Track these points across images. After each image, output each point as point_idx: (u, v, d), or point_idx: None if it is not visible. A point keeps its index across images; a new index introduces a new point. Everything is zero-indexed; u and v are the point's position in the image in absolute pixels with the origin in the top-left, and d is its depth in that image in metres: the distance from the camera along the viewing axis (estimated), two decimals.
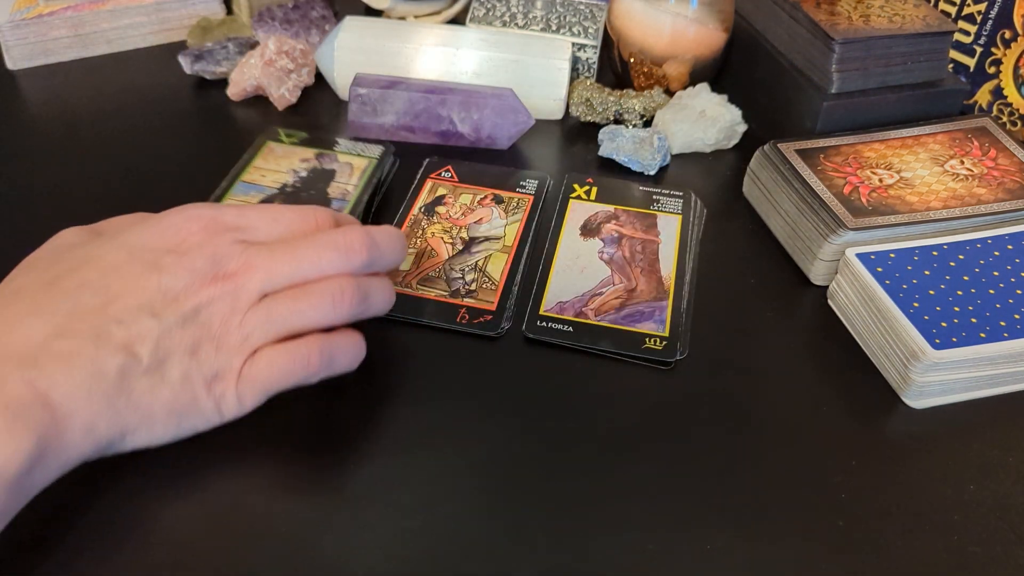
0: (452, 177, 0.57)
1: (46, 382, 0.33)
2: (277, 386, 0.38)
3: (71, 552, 0.36)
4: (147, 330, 0.35)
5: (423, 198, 0.55)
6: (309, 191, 0.54)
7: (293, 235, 0.39)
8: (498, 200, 0.56)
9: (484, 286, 0.49)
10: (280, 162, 0.56)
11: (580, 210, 0.55)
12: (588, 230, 0.54)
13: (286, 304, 0.38)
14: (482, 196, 0.56)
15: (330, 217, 0.41)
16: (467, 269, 0.50)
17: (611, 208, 0.55)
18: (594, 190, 0.57)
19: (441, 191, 0.56)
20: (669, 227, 0.54)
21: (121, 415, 0.35)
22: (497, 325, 0.47)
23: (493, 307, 0.48)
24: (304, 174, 0.55)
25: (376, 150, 0.58)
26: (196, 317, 0.36)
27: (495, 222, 0.54)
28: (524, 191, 0.56)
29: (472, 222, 0.54)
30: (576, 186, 0.57)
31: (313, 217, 0.40)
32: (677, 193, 0.57)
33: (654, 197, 0.56)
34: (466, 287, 0.49)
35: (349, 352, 0.40)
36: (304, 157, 0.57)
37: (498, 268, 0.50)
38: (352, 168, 0.56)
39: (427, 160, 0.59)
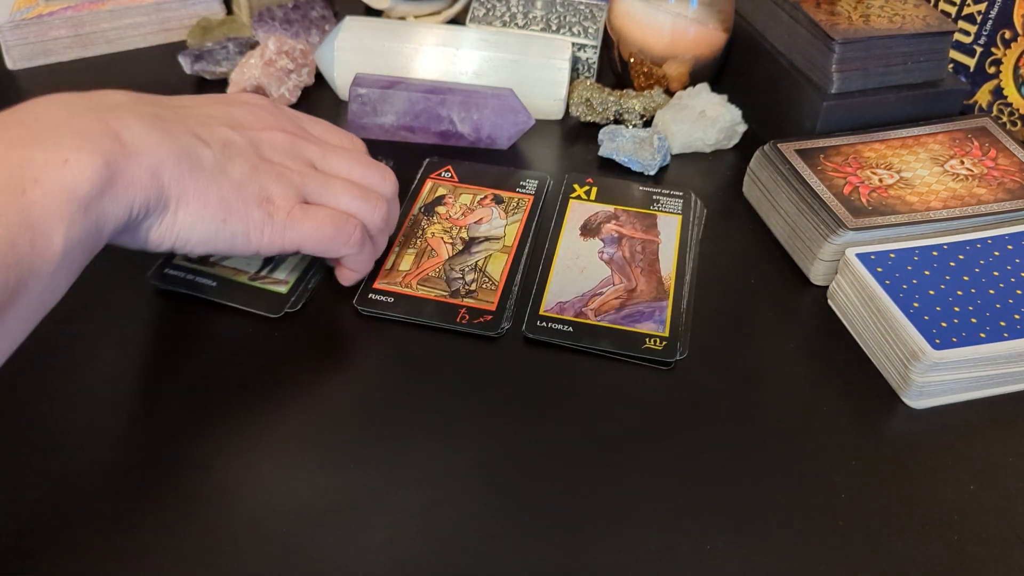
0: (452, 177, 0.57)
1: (119, 123, 0.35)
2: (316, 238, 0.42)
3: (57, 552, 0.36)
4: (218, 132, 0.40)
5: (423, 198, 0.55)
6: None
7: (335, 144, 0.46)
8: (498, 200, 0.56)
9: (484, 286, 0.49)
10: None
11: (580, 210, 0.55)
12: (588, 230, 0.54)
13: (341, 183, 0.43)
14: (482, 196, 0.56)
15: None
16: (467, 269, 0.50)
17: (611, 208, 0.55)
18: (594, 190, 0.57)
19: (441, 191, 0.56)
20: (669, 227, 0.54)
21: (183, 176, 0.37)
22: (497, 325, 0.47)
23: (493, 307, 0.48)
24: None
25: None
26: (260, 145, 0.41)
27: (495, 222, 0.54)
28: (524, 191, 0.56)
29: (472, 222, 0.54)
30: (576, 186, 0.57)
31: (356, 145, 0.47)
32: (677, 193, 0.57)
33: (654, 197, 0.56)
34: (466, 287, 0.49)
35: (371, 255, 0.46)
36: None
37: (498, 268, 0.50)
38: None
39: (427, 160, 0.59)
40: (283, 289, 0.48)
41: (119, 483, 0.38)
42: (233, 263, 0.49)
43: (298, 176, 0.41)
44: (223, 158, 0.39)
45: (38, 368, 0.43)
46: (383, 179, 0.45)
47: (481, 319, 0.47)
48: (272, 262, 0.49)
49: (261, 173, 0.40)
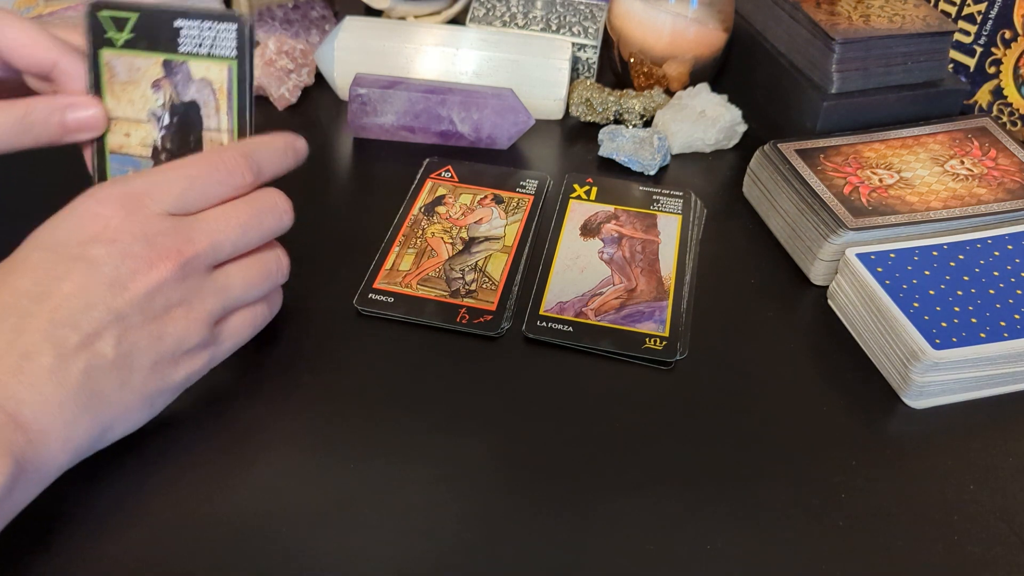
0: (452, 177, 0.57)
1: (13, 403, 0.32)
2: (240, 343, 0.41)
3: (56, 550, 0.36)
4: (104, 326, 0.34)
5: (423, 198, 0.55)
6: (181, 149, 0.42)
7: (207, 188, 0.38)
8: (498, 200, 0.56)
9: (484, 286, 0.49)
10: (131, 97, 0.42)
11: (580, 210, 0.55)
12: (588, 230, 0.54)
13: (242, 280, 0.39)
14: (482, 196, 0.56)
15: (239, 158, 0.39)
16: (467, 269, 0.50)
17: (611, 208, 0.55)
18: (594, 190, 0.57)
19: (441, 191, 0.56)
20: (669, 227, 0.54)
21: (97, 417, 0.35)
22: (497, 325, 0.47)
23: (493, 307, 0.48)
24: (166, 119, 0.42)
25: (229, 41, 0.41)
26: (152, 302, 0.36)
27: (495, 222, 0.54)
28: (524, 191, 0.56)
29: (472, 222, 0.54)
30: (576, 186, 0.57)
31: (222, 164, 0.39)
32: (677, 193, 0.57)
33: (654, 197, 0.56)
34: (466, 287, 0.49)
35: (277, 304, 0.43)
36: (154, 79, 0.42)
37: (498, 268, 0.50)
38: (212, 87, 0.41)
39: (427, 160, 0.59)
40: None
41: (116, 482, 0.38)
42: None
43: (201, 312, 0.37)
44: (124, 358, 0.35)
45: None
46: (268, 226, 0.40)
47: (481, 319, 0.47)
48: None
49: (166, 341, 0.36)
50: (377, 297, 0.48)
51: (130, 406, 0.36)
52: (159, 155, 0.42)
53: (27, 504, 0.34)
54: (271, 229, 0.40)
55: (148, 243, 0.36)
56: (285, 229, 0.41)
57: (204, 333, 0.38)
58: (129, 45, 0.41)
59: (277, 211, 0.40)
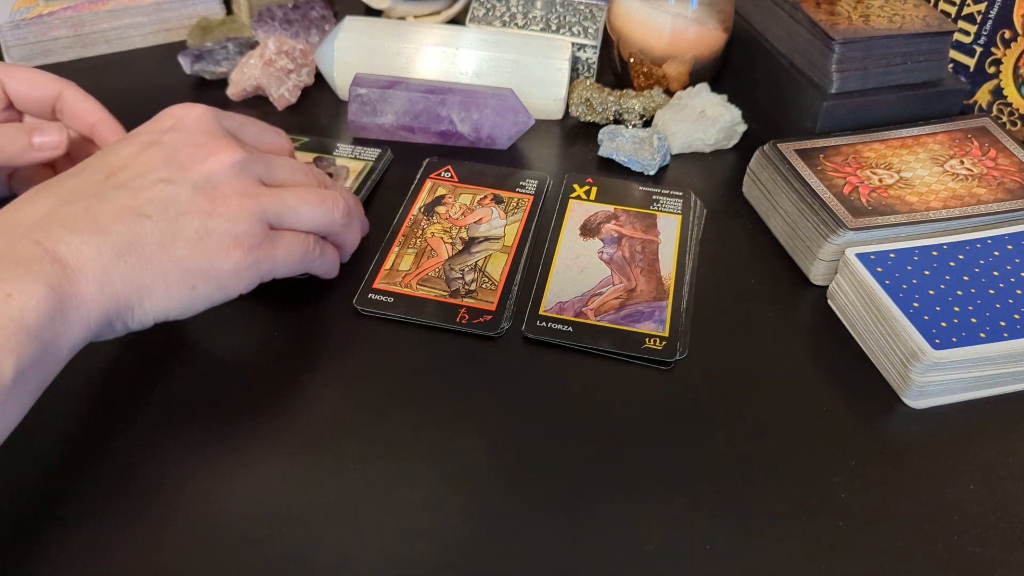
0: (452, 177, 0.57)
1: (53, 241, 0.34)
2: (288, 263, 0.41)
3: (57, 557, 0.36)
4: (157, 193, 0.37)
5: (423, 198, 0.55)
6: None
7: (275, 137, 0.46)
8: (498, 200, 0.56)
9: (484, 286, 0.49)
10: None
11: (580, 210, 0.55)
12: (588, 230, 0.54)
13: (294, 196, 0.41)
14: (482, 196, 0.56)
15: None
16: (467, 269, 0.50)
17: (611, 208, 0.55)
18: (594, 190, 0.57)
19: (441, 191, 0.56)
20: (669, 227, 0.54)
21: (134, 272, 0.36)
22: (497, 325, 0.47)
23: (493, 307, 0.48)
24: None
25: (373, 153, 0.59)
26: (207, 182, 0.38)
27: (495, 222, 0.54)
28: (524, 191, 0.56)
29: (472, 222, 0.54)
30: (576, 186, 0.57)
31: (286, 143, 0.46)
32: (677, 193, 0.57)
33: (654, 197, 0.56)
34: (466, 287, 0.49)
35: (333, 258, 0.46)
36: (304, 162, 0.57)
37: (498, 268, 0.50)
38: (348, 171, 0.57)
39: (427, 160, 0.59)
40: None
41: (114, 483, 0.38)
42: None
43: (254, 202, 0.39)
44: (170, 224, 0.37)
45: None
46: (324, 179, 0.45)
47: (481, 319, 0.47)
48: None
49: (216, 219, 0.38)
50: (377, 297, 0.48)
51: (169, 276, 0.37)
52: None
53: (75, 346, 0.34)
54: (323, 185, 0.44)
55: (212, 136, 0.40)
56: (334, 209, 0.43)
57: (255, 225, 0.39)
58: None
59: (317, 172, 0.44)
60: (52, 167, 0.50)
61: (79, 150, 0.51)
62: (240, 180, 0.39)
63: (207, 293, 0.38)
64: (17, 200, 0.37)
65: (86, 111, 0.49)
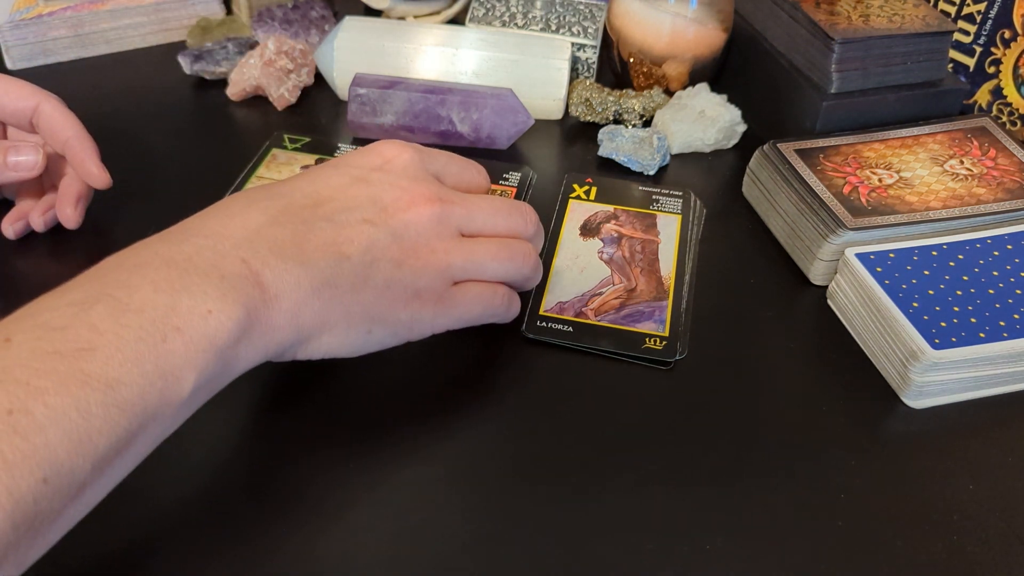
0: None
1: (259, 263, 0.34)
2: (469, 318, 0.41)
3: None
4: (358, 233, 0.37)
5: None
6: None
7: (473, 176, 0.44)
8: None
9: None
10: (282, 169, 0.56)
11: (580, 210, 0.55)
12: (588, 230, 0.54)
13: (488, 251, 0.41)
14: None
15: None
16: None
17: (611, 208, 0.55)
18: (593, 190, 0.57)
19: None
20: (669, 227, 0.54)
21: (324, 308, 0.36)
22: None
23: None
24: None
25: None
26: (405, 232, 0.38)
27: None
28: (507, 183, 0.57)
29: None
30: (576, 186, 0.57)
31: (482, 177, 0.45)
32: (676, 193, 0.57)
33: (654, 197, 0.56)
34: None
35: (515, 308, 0.44)
36: (305, 164, 0.57)
37: None
38: None
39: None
40: None
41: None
42: None
43: (444, 257, 0.39)
44: (365, 268, 0.37)
45: None
46: (525, 221, 0.43)
47: None
48: None
49: (405, 270, 0.38)
50: None
51: (352, 316, 0.37)
52: None
53: (246, 368, 0.34)
54: (518, 229, 0.42)
55: (417, 184, 0.39)
56: (530, 243, 0.43)
57: (438, 281, 0.39)
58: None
59: (525, 213, 0.43)
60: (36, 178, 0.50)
61: (55, 166, 0.51)
62: (436, 233, 0.39)
63: (380, 339, 0.38)
64: (223, 206, 0.37)
65: (61, 127, 0.49)
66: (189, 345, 0.31)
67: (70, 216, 0.50)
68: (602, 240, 0.53)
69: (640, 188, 0.57)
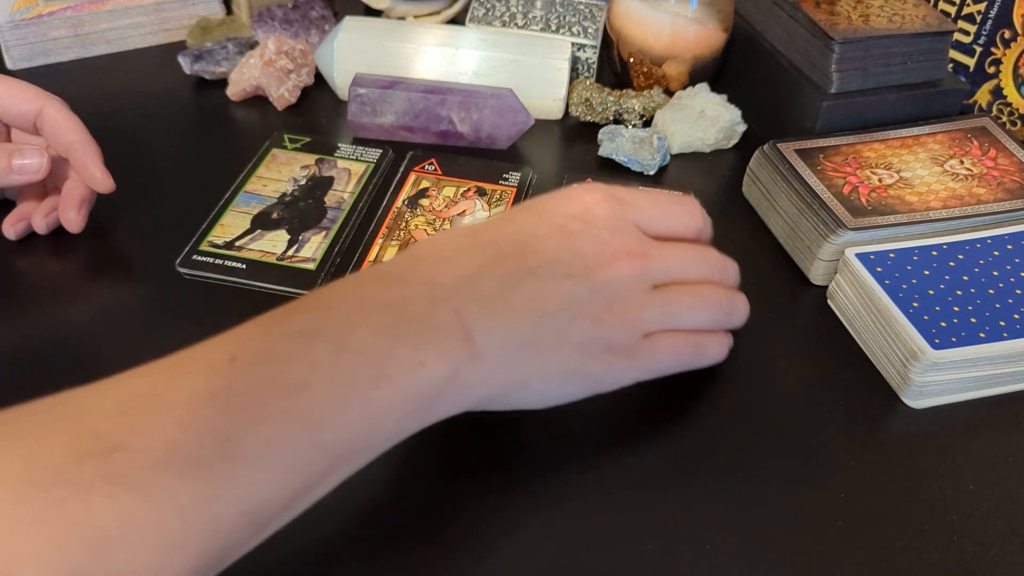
0: (436, 170, 0.58)
1: (470, 317, 0.34)
2: (661, 369, 0.40)
3: None
4: (561, 289, 0.36)
5: (407, 191, 0.56)
6: (307, 200, 0.54)
7: (670, 220, 0.42)
8: (481, 192, 0.56)
9: None
10: (282, 169, 0.57)
11: None
12: None
13: (683, 303, 0.40)
14: (465, 189, 0.56)
15: (705, 226, 0.44)
16: None
17: None
18: None
19: (425, 184, 0.56)
20: None
21: (524, 365, 0.36)
22: None
23: None
24: (303, 182, 0.56)
25: (374, 154, 0.59)
26: (604, 288, 0.37)
27: (478, 214, 0.54)
28: (507, 183, 0.57)
29: (455, 214, 0.54)
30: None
31: (691, 218, 0.43)
32: (676, 193, 0.56)
33: None
34: None
35: (716, 349, 0.43)
36: (305, 164, 0.57)
37: None
38: (350, 174, 0.57)
39: (410, 153, 0.59)
40: (312, 266, 0.49)
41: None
42: (260, 246, 0.51)
43: (639, 312, 0.38)
44: (564, 325, 0.36)
45: (79, 377, 0.43)
46: (724, 268, 0.43)
47: None
48: (297, 243, 0.51)
49: (602, 327, 0.37)
50: None
51: (547, 372, 0.37)
52: (284, 199, 0.54)
53: (430, 424, 0.34)
54: (711, 277, 0.42)
55: (618, 237, 0.39)
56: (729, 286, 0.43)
57: (631, 337, 0.38)
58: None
59: (724, 264, 0.43)
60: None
61: (58, 168, 0.51)
62: (635, 290, 0.38)
63: (571, 392, 0.38)
64: (434, 249, 0.37)
65: (65, 130, 0.49)
66: (396, 395, 0.31)
67: (73, 220, 0.50)
68: None
69: (640, 188, 0.57)
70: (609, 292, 0.37)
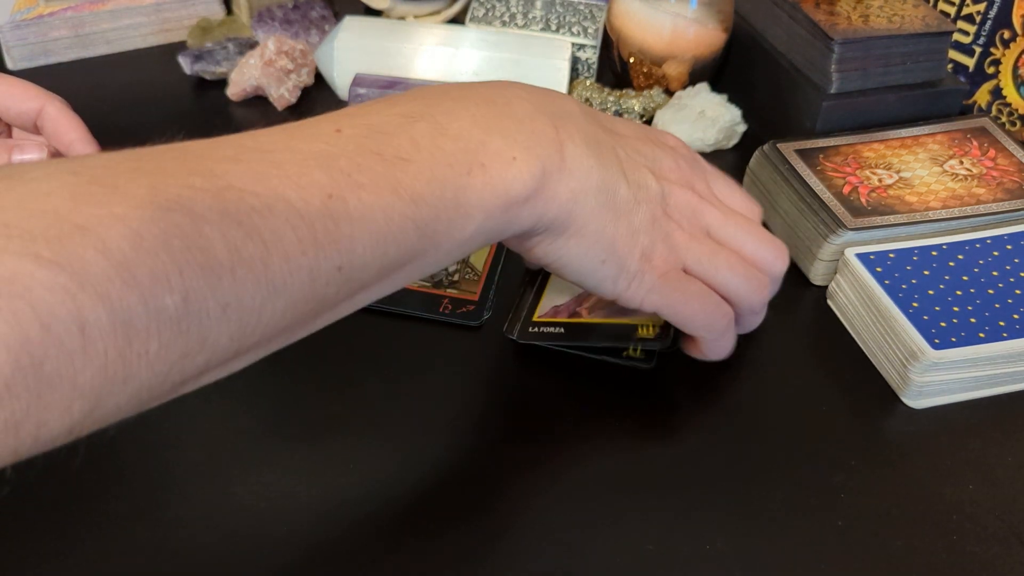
0: None
1: (567, 135, 0.35)
2: (677, 311, 0.39)
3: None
4: (640, 172, 0.38)
5: None
6: None
7: (743, 208, 0.43)
8: None
9: (467, 276, 0.49)
10: None
11: None
12: None
13: (729, 260, 0.40)
14: None
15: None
16: None
17: None
18: None
19: None
20: None
21: (593, 210, 0.36)
22: (479, 315, 0.47)
23: (475, 297, 0.48)
24: None
25: None
26: (668, 199, 0.39)
27: None
28: None
29: None
30: None
31: (757, 207, 0.44)
32: None
33: None
34: (449, 277, 0.49)
35: (729, 342, 0.42)
36: None
37: (480, 258, 0.51)
38: None
39: None
40: None
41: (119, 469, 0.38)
42: None
43: (687, 241, 0.39)
44: (634, 201, 0.37)
45: None
46: (775, 257, 0.42)
47: (463, 309, 0.47)
48: None
49: (656, 228, 0.38)
50: None
51: (602, 236, 0.37)
52: None
53: (506, 236, 0.35)
54: (765, 260, 0.41)
55: (691, 170, 0.41)
56: (778, 276, 0.42)
57: (673, 256, 0.39)
58: None
59: (778, 252, 0.42)
60: None
61: None
62: (688, 218, 0.39)
63: (603, 275, 0.38)
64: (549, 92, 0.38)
65: (66, 129, 0.48)
66: (488, 185, 0.32)
67: None
68: None
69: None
70: (670, 204, 0.39)
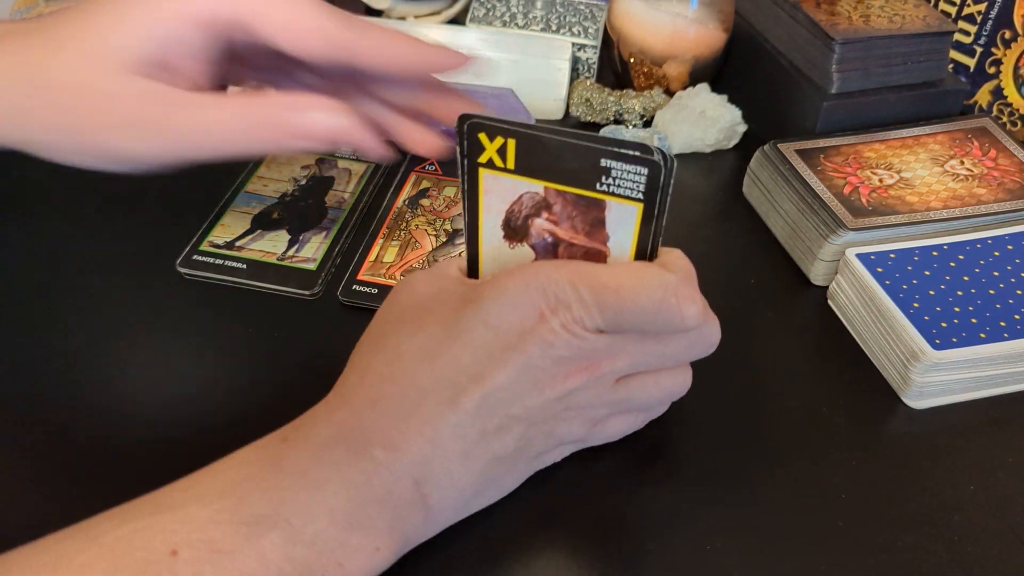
0: (436, 170, 0.58)
1: (430, 486, 0.33)
2: (608, 439, 0.39)
3: None
4: (516, 421, 0.35)
5: (407, 191, 0.56)
6: (307, 200, 0.54)
7: (646, 320, 0.35)
8: None
9: None
10: (282, 170, 0.56)
11: (497, 191, 0.36)
12: (512, 229, 0.37)
13: (641, 391, 0.37)
14: None
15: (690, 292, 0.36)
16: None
17: (538, 186, 0.36)
18: (511, 149, 0.35)
19: (425, 184, 0.56)
20: (622, 225, 0.36)
21: (477, 500, 0.36)
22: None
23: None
24: (304, 182, 0.56)
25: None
26: (556, 404, 0.35)
27: None
28: None
29: (456, 214, 0.54)
30: (483, 138, 0.35)
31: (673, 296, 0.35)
32: (634, 154, 0.33)
33: (603, 165, 0.34)
34: None
35: (666, 404, 0.40)
36: (305, 164, 0.57)
37: None
38: (351, 174, 0.57)
39: (411, 153, 0.59)
40: (312, 267, 0.49)
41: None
42: (260, 246, 0.51)
43: (592, 412, 0.37)
44: (520, 451, 0.36)
45: (82, 378, 0.43)
46: (682, 387, 0.39)
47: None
48: (297, 243, 0.51)
49: (554, 437, 0.37)
50: (361, 288, 0.48)
51: (504, 489, 0.37)
52: (284, 199, 0.54)
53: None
54: (689, 358, 0.38)
55: (578, 355, 0.34)
56: (708, 352, 0.38)
57: (585, 431, 0.38)
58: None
59: (705, 344, 0.37)
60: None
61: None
62: (587, 395, 0.36)
63: (521, 480, 0.38)
64: (393, 375, 0.34)
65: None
66: None
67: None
68: (532, 246, 0.37)
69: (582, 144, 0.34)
70: (562, 405, 0.35)
